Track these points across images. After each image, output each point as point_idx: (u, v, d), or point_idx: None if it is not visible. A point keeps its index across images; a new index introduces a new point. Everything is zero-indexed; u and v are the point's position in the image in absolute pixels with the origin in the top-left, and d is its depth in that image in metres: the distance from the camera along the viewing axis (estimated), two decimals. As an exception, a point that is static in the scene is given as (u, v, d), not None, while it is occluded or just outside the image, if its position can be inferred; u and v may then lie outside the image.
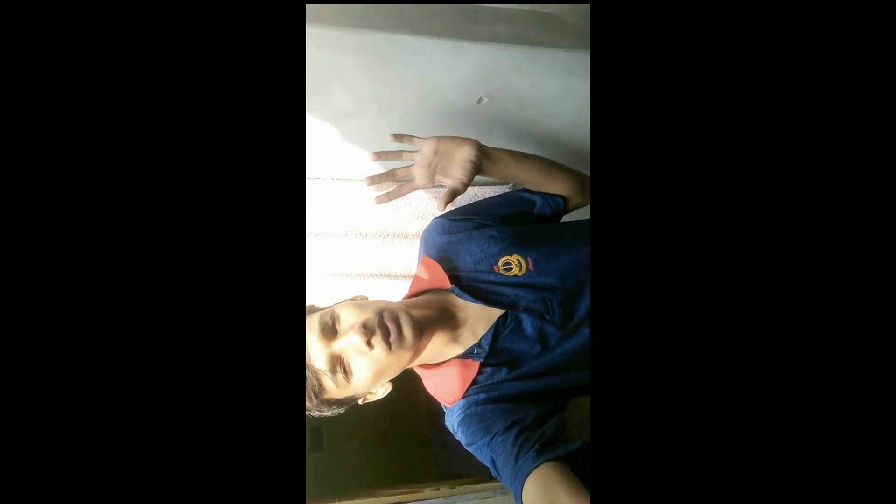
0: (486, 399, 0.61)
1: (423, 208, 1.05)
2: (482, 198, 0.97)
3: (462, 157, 0.68)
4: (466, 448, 0.62)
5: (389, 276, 1.16)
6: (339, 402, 0.61)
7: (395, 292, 1.12)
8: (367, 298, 0.68)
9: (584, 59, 0.81)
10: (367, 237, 1.06)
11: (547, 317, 0.63)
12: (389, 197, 0.70)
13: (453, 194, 0.69)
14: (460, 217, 0.73)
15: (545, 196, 0.77)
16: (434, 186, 0.72)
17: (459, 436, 0.63)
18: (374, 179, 0.71)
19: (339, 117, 0.84)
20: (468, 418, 0.61)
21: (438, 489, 1.47)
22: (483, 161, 0.69)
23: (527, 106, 0.87)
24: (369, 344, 0.55)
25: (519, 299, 0.64)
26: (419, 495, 1.43)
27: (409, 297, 0.70)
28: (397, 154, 0.73)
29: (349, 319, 0.57)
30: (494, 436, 0.57)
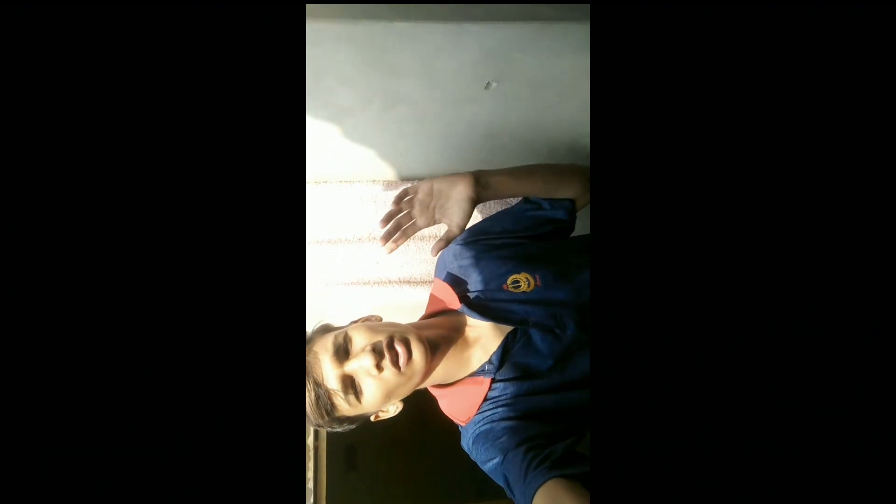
0: (500, 416, 0.61)
1: (439, 208, 1.00)
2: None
3: (458, 196, 0.68)
4: (482, 468, 0.61)
5: (409, 281, 1.11)
6: (349, 420, 0.63)
7: (416, 298, 1.07)
8: (380, 319, 0.70)
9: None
10: (382, 242, 1.02)
11: (557, 331, 0.63)
12: (396, 244, 0.71)
13: (447, 240, 0.70)
14: (471, 240, 0.74)
15: (552, 202, 0.75)
16: (435, 224, 0.73)
17: (474, 455, 0.62)
18: (385, 237, 0.72)
19: (340, 115, 0.81)
20: (482, 435, 0.61)
21: (476, 509, 1.39)
22: (482, 193, 0.69)
23: (539, 87, 0.81)
24: (379, 367, 0.57)
25: (529, 315, 0.64)
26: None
27: (424, 318, 0.72)
28: (398, 211, 0.73)
29: (361, 342, 0.59)
30: (506, 454, 0.56)
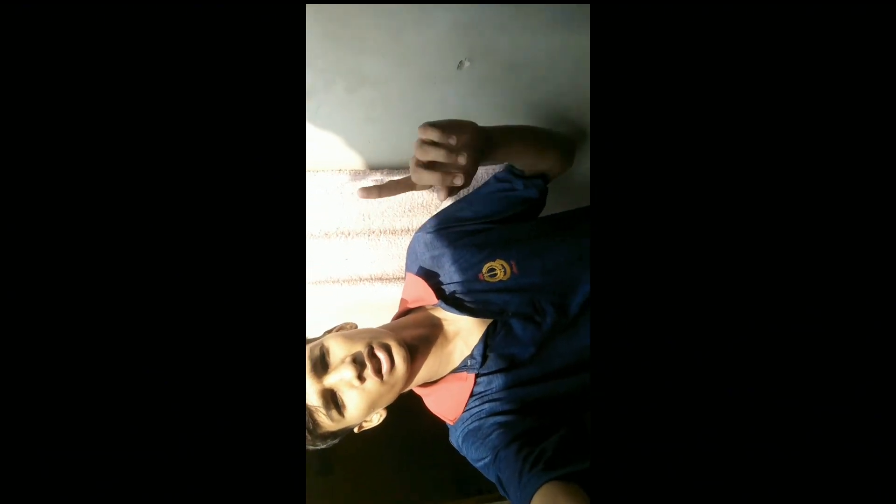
0: (488, 412, 0.59)
1: (409, 201, 0.94)
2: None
3: (463, 143, 0.53)
4: (474, 465, 0.60)
5: (381, 278, 1.05)
6: (332, 435, 0.60)
7: (389, 295, 1.01)
8: (356, 326, 0.67)
9: (581, 10, 0.70)
10: (351, 236, 0.95)
11: (536, 318, 0.61)
12: (380, 192, 0.52)
13: (452, 190, 0.53)
14: (440, 227, 0.70)
15: (525, 180, 0.71)
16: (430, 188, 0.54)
17: (465, 452, 0.61)
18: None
19: (300, 97, 0.74)
20: (471, 433, 0.60)
21: (455, 510, 1.34)
22: (485, 147, 0.56)
23: (515, 69, 0.76)
24: (360, 377, 0.55)
25: (507, 305, 0.63)
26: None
27: (398, 316, 0.69)
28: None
29: (339, 353, 0.56)
30: (498, 453, 0.55)
